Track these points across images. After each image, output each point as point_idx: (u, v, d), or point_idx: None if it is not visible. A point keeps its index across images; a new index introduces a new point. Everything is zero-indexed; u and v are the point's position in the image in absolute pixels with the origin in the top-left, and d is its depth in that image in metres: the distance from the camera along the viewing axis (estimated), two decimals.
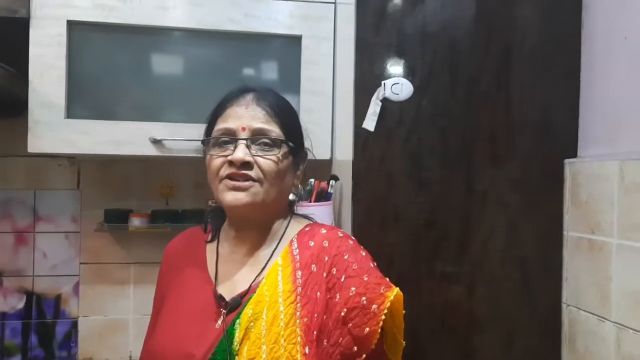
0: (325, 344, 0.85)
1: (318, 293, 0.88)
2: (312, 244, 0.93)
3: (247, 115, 0.93)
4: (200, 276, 0.98)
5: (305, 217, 1.06)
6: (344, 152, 1.37)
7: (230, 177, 0.91)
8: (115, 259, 1.79)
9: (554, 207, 1.32)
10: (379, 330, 0.83)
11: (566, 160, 1.32)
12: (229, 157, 0.91)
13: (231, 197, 0.91)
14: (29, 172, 1.76)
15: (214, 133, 0.95)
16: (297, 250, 0.93)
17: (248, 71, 1.55)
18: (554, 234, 1.32)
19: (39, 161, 1.75)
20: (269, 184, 0.92)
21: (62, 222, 1.77)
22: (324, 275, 0.89)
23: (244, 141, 0.91)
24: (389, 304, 0.83)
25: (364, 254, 0.92)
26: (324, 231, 0.96)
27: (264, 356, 0.84)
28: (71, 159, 1.77)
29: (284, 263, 0.92)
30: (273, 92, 1.00)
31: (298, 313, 0.86)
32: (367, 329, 0.83)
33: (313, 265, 0.90)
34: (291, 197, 1.26)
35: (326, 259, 0.90)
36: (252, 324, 0.87)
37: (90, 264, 1.78)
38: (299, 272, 0.90)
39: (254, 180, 0.90)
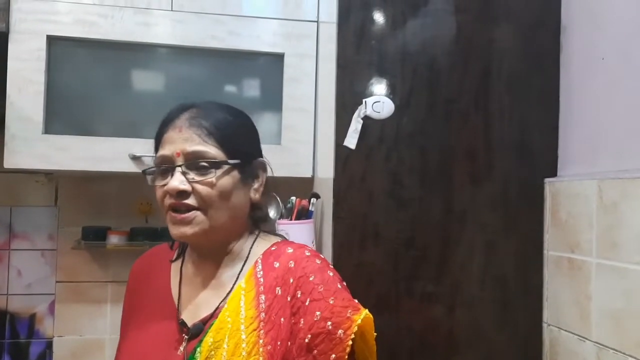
0: None
1: (282, 318, 0.83)
2: (277, 264, 0.89)
3: (180, 139, 0.88)
4: (163, 299, 0.95)
5: (274, 234, 1.01)
6: (325, 170, 1.37)
7: (173, 208, 0.87)
8: (92, 277, 1.76)
9: (533, 226, 1.33)
10: (346, 357, 0.79)
11: (546, 180, 1.33)
12: (165, 188, 0.87)
13: (176, 231, 0.87)
14: (5, 188, 1.73)
15: (155, 161, 0.92)
16: (262, 273, 0.89)
17: (230, 88, 1.56)
18: (534, 253, 1.32)
19: (15, 177, 1.73)
20: (213, 209, 0.87)
21: (39, 239, 1.75)
22: (288, 299, 0.84)
23: (180, 168, 0.87)
24: (356, 328, 0.79)
25: (331, 274, 0.86)
26: (290, 250, 0.90)
27: None
28: (49, 175, 1.75)
29: (247, 287, 0.88)
30: (213, 105, 0.94)
31: (261, 341, 0.82)
32: (333, 355, 0.79)
33: (278, 288, 0.86)
34: (272, 214, 1.25)
35: (291, 280, 0.85)
36: (212, 352, 0.83)
37: (66, 282, 1.75)
38: (262, 297, 0.86)
39: (196, 208, 0.86)
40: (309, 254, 0.89)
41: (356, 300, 0.84)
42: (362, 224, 1.27)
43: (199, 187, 0.86)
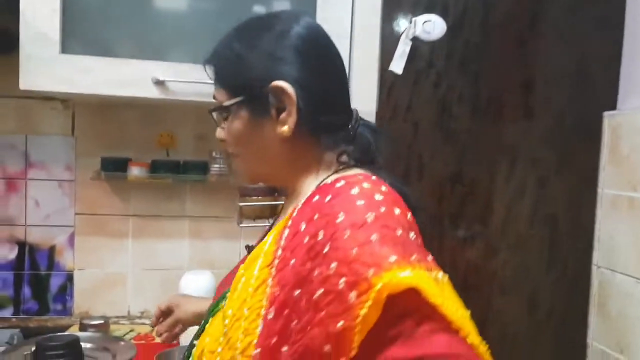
0: (293, 325, 0.66)
1: (293, 260, 0.69)
2: (315, 198, 0.74)
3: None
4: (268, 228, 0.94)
5: (366, 168, 0.82)
6: (366, 101, 1.27)
7: None
8: (112, 210, 1.70)
9: (589, 163, 1.24)
10: (356, 329, 0.61)
11: (605, 113, 1.24)
12: None
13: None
14: (20, 115, 1.65)
15: None
16: (299, 207, 0.76)
17: (259, 8, 1.44)
18: (587, 192, 1.24)
19: (30, 104, 1.64)
20: (240, 156, 0.84)
21: (56, 169, 1.68)
22: (306, 239, 0.69)
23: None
24: (373, 294, 0.60)
25: (371, 218, 0.66)
26: (340, 183, 0.74)
27: (225, 321, 0.74)
28: (65, 102, 1.66)
29: (282, 222, 0.78)
30: (226, 34, 0.84)
31: (269, 280, 0.71)
32: (342, 322, 0.61)
33: (303, 224, 0.71)
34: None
35: (315, 217, 0.70)
36: (237, 284, 0.77)
37: (85, 214, 1.69)
38: (287, 231, 0.74)
39: (232, 156, 0.86)
40: (357, 190, 0.71)
41: (394, 259, 0.62)
42: (406, 157, 1.19)
43: (224, 134, 0.84)
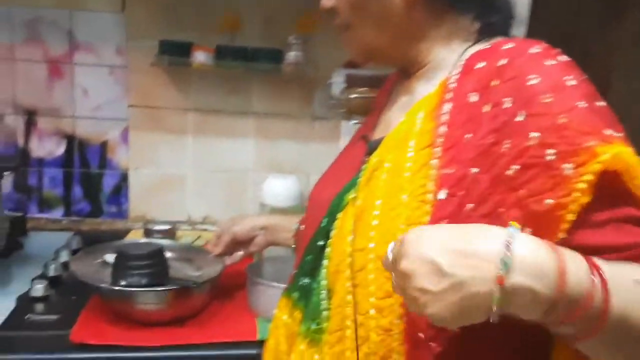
0: (468, 209, 0.57)
1: (468, 134, 0.59)
2: (480, 65, 0.62)
3: None
4: (370, 120, 0.82)
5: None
6: None
7: None
8: (170, 103, 1.50)
9: None
10: (570, 207, 0.53)
11: None
12: None
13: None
14: None
15: None
16: (456, 77, 0.64)
17: None
18: None
19: None
20: (356, 26, 0.72)
21: (105, 53, 1.46)
22: (486, 108, 0.59)
23: None
24: (597, 166, 0.52)
25: (570, 81, 0.57)
26: (508, 46, 0.62)
27: (374, 212, 0.63)
28: None
29: (432, 97, 0.66)
30: None
31: (433, 161, 0.60)
32: (550, 200, 0.54)
33: (472, 95, 0.61)
34: None
35: (494, 83, 0.59)
36: (375, 172, 0.66)
37: (140, 107, 1.49)
38: (447, 105, 0.62)
39: (344, 28, 0.73)
40: (538, 49, 0.59)
41: (611, 132, 0.54)
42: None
43: (333, 0, 0.72)
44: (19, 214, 1.43)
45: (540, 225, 0.53)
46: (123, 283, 0.95)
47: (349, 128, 1.53)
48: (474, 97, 0.60)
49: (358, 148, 0.77)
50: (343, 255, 0.65)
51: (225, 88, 1.51)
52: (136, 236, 1.44)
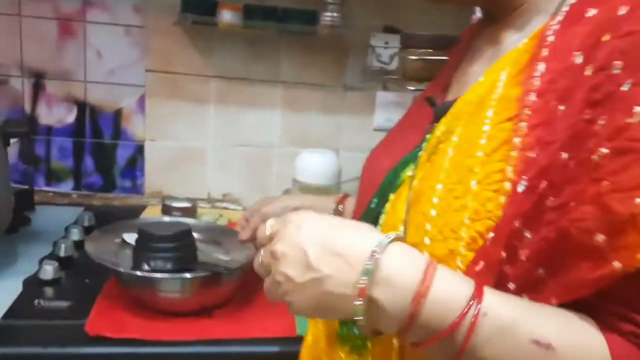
0: (549, 202, 0.45)
1: (562, 106, 0.45)
2: (591, 12, 0.48)
3: None
4: (443, 77, 0.67)
5: None
6: None
7: None
8: (191, 68, 1.37)
9: None
10: None
11: None
12: None
13: None
14: None
15: None
16: (555, 29, 0.50)
17: None
18: None
19: None
20: None
21: (121, 11, 1.32)
22: (588, 72, 0.45)
23: None
24: None
25: None
26: None
27: (434, 199, 0.50)
28: None
29: (522, 50, 0.51)
30: None
31: (517, 139, 0.47)
32: (639, 199, 0.41)
33: (576, 54, 0.46)
34: None
35: (605, 39, 0.45)
36: (440, 146, 0.53)
37: (158, 72, 1.36)
38: (540, 66, 0.48)
39: None
40: None
41: None
42: None
43: None
44: (26, 187, 1.31)
45: (616, 233, 0.41)
46: (146, 267, 0.83)
47: (386, 99, 1.41)
48: (578, 58, 0.45)
49: (423, 113, 0.63)
50: None
51: (251, 53, 1.37)
52: (152, 213, 1.33)
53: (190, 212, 1.25)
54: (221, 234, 1.03)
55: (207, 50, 1.36)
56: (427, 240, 0.49)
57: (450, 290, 0.43)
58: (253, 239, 0.98)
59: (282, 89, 1.41)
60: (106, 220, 1.23)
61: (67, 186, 1.39)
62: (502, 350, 0.42)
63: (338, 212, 0.90)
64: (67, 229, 1.15)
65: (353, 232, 0.47)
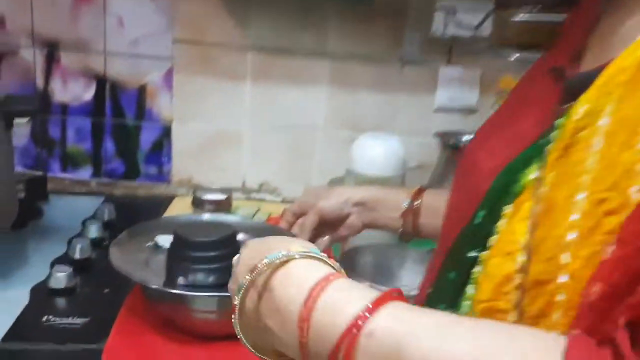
0: None
1: None
2: None
3: None
4: (564, 46, 0.51)
5: None
6: None
7: None
8: (225, 38, 1.19)
9: None
10: None
11: None
12: None
13: None
14: None
15: None
16: None
17: None
18: None
19: None
20: None
21: None
22: None
23: None
24: None
25: None
26: None
27: (572, 217, 0.35)
28: None
29: None
30: None
31: None
32: None
33: None
34: None
35: None
36: (579, 135, 0.37)
37: (188, 43, 1.19)
38: None
39: None
40: None
41: None
42: None
43: None
44: (38, 174, 1.15)
45: None
46: (182, 282, 0.66)
47: (450, 75, 1.22)
48: None
49: (544, 89, 0.48)
50: (505, 283, 0.39)
51: (294, 21, 1.19)
52: (182, 205, 1.16)
53: (225, 205, 1.08)
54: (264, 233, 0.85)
55: (244, 18, 1.18)
56: (563, 279, 0.35)
57: (336, 308, 0.36)
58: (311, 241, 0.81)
59: (330, 63, 1.22)
60: (129, 213, 1.08)
61: (85, 173, 1.23)
62: None
63: (413, 211, 0.73)
64: (84, 224, 1.00)
65: (271, 242, 0.43)
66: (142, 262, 0.75)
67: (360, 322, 0.33)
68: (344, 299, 0.36)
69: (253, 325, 0.40)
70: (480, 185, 0.46)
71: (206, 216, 0.92)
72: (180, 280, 0.67)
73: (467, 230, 0.46)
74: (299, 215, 0.84)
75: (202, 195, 1.07)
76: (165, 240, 0.76)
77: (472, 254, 0.44)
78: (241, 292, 0.40)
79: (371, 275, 0.83)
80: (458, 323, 0.34)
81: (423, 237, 0.77)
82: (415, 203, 0.75)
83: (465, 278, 0.44)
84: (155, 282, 0.69)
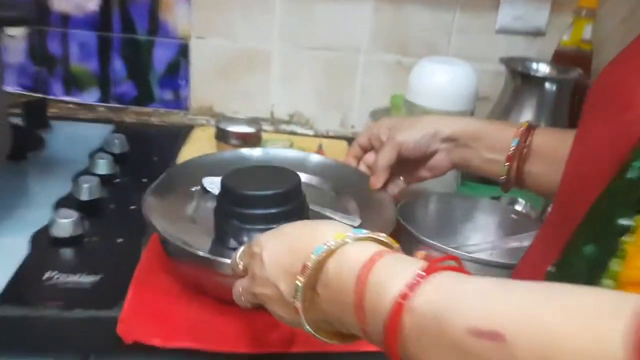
0: None
1: None
2: None
3: None
4: None
5: None
6: None
7: None
8: None
9: None
10: None
11: None
12: None
13: None
14: None
15: None
16: None
17: None
18: None
19: None
20: None
21: None
22: None
23: None
24: None
25: None
26: None
27: None
28: None
29: None
30: None
31: None
32: None
33: None
34: None
35: None
36: None
37: None
38: None
39: None
40: None
41: None
42: None
43: None
44: (38, 96, 1.00)
45: None
46: (234, 244, 0.52)
47: None
48: None
49: None
50: None
51: None
52: (203, 135, 1.02)
53: (254, 139, 0.92)
54: (333, 175, 0.70)
55: None
56: None
57: (380, 291, 0.34)
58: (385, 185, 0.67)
59: None
60: (142, 145, 0.93)
61: (91, 96, 1.08)
62: (437, 353, 0.30)
63: (520, 153, 0.58)
64: (91, 157, 0.85)
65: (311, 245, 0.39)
66: (185, 216, 0.61)
67: (401, 301, 0.32)
68: (388, 279, 0.35)
69: (314, 319, 0.40)
70: (636, 126, 0.35)
71: (257, 153, 0.76)
72: (232, 242, 0.53)
73: (615, 187, 0.36)
74: (367, 149, 0.70)
75: (226, 126, 0.92)
76: (213, 183, 0.62)
77: (624, 221, 0.34)
78: (300, 295, 0.39)
79: (434, 230, 0.70)
80: (506, 285, 0.31)
81: (525, 189, 0.62)
82: (525, 143, 0.60)
83: (608, 251, 0.35)
84: (204, 241, 0.55)
